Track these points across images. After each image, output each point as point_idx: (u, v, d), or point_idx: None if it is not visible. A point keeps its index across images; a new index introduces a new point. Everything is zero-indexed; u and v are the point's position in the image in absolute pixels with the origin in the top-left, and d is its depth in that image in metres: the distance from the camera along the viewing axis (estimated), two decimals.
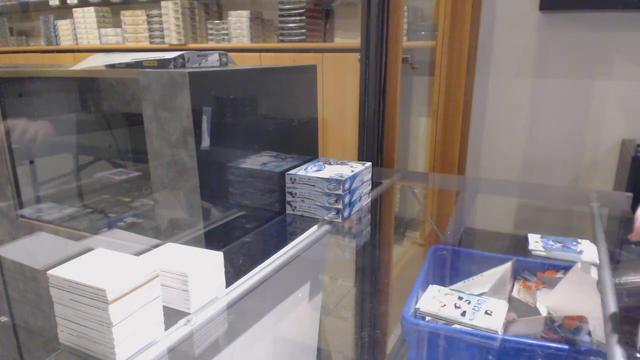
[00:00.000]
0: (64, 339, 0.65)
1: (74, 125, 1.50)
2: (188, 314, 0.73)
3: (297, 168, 1.22)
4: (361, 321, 1.07)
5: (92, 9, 3.44)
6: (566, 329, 0.81)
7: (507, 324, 0.80)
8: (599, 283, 0.89)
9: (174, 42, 3.04)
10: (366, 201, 1.32)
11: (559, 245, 1.03)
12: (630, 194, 1.38)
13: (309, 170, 1.19)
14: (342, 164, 1.27)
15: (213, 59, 1.17)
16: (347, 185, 1.15)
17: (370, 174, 1.32)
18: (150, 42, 3.23)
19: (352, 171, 1.19)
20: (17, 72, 1.37)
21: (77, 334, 0.63)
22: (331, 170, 1.19)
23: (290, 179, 1.19)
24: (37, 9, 3.95)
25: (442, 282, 1.12)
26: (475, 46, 2.10)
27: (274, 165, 1.21)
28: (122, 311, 0.60)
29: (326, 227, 1.16)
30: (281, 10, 2.71)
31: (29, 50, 4.02)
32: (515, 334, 0.79)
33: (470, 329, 0.77)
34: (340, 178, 1.13)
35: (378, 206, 1.43)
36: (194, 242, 1.03)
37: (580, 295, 0.91)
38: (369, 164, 1.29)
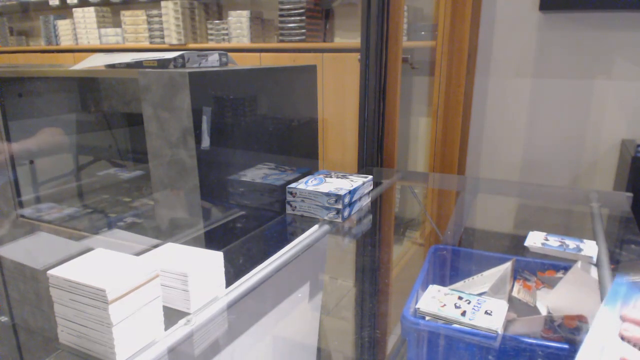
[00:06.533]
0: (64, 339, 0.65)
1: (74, 125, 1.50)
2: (188, 314, 0.73)
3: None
4: (361, 321, 1.07)
5: (92, 9, 3.44)
6: (566, 329, 0.81)
7: (507, 324, 0.80)
8: (599, 283, 0.89)
9: (174, 42, 3.04)
10: (366, 201, 1.32)
11: (558, 243, 1.03)
12: (630, 194, 1.38)
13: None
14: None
15: (213, 59, 1.17)
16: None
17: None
18: (150, 42, 3.23)
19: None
20: (17, 72, 1.37)
21: (77, 334, 0.63)
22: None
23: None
24: (37, 9, 3.95)
25: (442, 282, 1.12)
26: (475, 46, 2.10)
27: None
28: (122, 311, 0.60)
29: (326, 227, 1.16)
30: (281, 10, 2.71)
31: (29, 50, 4.02)
32: (515, 333, 0.79)
33: (470, 328, 0.77)
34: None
35: (378, 206, 1.43)
36: (194, 242, 1.03)
37: (580, 294, 0.91)
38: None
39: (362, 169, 1.73)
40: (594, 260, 0.98)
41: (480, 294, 0.91)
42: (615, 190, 1.90)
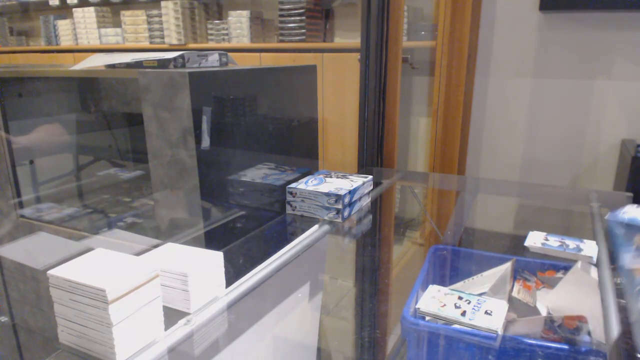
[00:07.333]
0: (64, 339, 0.65)
1: (74, 125, 1.50)
2: (188, 314, 0.73)
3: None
4: (361, 321, 1.07)
5: (92, 9, 3.44)
6: (566, 329, 0.81)
7: (507, 324, 0.80)
8: (599, 283, 0.89)
9: (174, 42, 3.04)
10: (366, 201, 1.32)
11: (558, 243, 1.03)
12: (630, 194, 1.38)
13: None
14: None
15: (213, 59, 1.17)
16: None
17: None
18: (150, 42, 3.23)
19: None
20: (17, 72, 1.37)
21: (77, 334, 0.63)
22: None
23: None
24: (37, 9, 3.95)
25: (442, 282, 1.12)
26: (475, 46, 2.10)
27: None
28: (122, 311, 0.60)
29: (326, 227, 1.16)
30: (281, 10, 2.70)
31: (29, 50, 4.02)
32: (515, 333, 0.79)
33: (470, 328, 0.77)
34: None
35: (378, 206, 1.43)
36: (194, 242, 1.03)
37: (580, 295, 0.91)
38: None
39: (362, 169, 1.73)
40: (594, 260, 0.98)
41: (480, 294, 0.91)
42: (615, 190, 1.90)
